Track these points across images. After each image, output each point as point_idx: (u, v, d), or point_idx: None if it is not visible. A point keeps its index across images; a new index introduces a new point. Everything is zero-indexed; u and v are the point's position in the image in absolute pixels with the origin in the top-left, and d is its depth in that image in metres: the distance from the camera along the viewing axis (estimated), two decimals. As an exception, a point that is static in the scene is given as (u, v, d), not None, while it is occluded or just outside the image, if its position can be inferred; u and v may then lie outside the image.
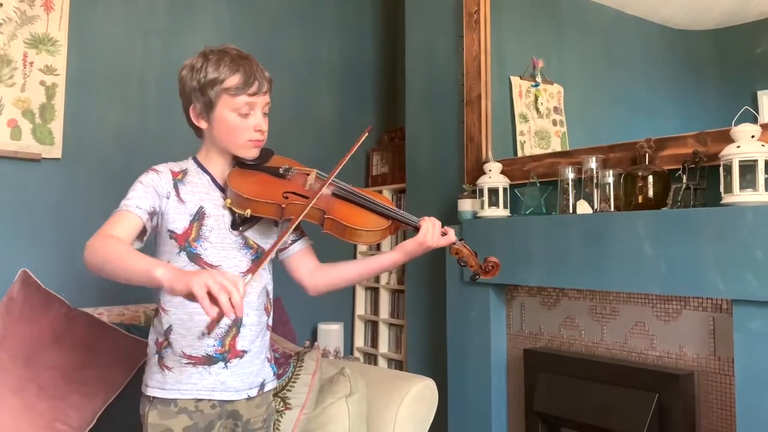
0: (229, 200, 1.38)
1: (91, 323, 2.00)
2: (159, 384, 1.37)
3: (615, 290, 1.87)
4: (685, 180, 1.71)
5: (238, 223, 1.41)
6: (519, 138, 2.40)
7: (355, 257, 3.26)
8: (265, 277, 1.47)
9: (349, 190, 1.47)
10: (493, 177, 2.21)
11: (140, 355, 2.00)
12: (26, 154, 2.31)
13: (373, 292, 3.30)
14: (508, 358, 2.22)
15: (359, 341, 3.33)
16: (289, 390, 1.89)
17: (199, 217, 1.38)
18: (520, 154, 2.37)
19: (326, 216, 1.38)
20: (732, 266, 1.54)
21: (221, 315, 1.06)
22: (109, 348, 1.97)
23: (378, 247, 3.25)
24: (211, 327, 1.08)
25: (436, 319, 2.64)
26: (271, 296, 1.50)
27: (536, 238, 2.00)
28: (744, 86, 1.87)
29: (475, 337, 2.25)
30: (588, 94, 2.41)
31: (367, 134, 1.51)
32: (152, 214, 1.35)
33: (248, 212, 1.35)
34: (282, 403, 1.87)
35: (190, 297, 1.08)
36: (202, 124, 1.41)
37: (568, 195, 2.02)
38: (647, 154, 1.82)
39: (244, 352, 1.41)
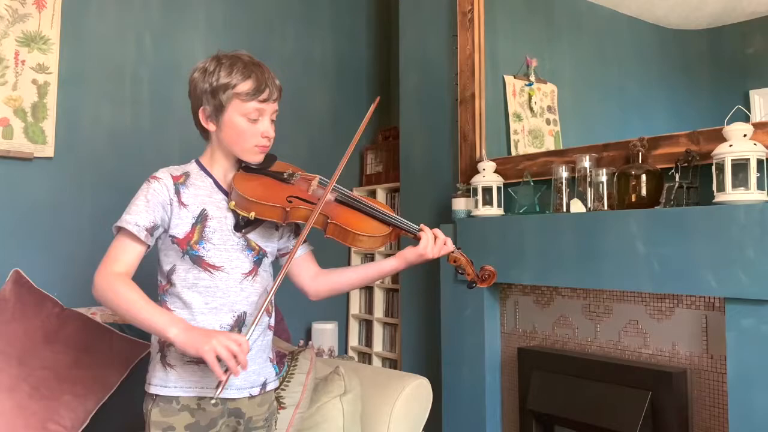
0: (233, 202, 1.39)
1: (84, 323, 1.99)
2: (161, 382, 1.38)
3: (608, 289, 1.87)
4: (677, 179, 1.72)
5: (241, 225, 1.42)
6: (513, 137, 2.41)
7: (349, 261, 3.27)
8: (266, 278, 1.48)
9: (352, 196, 1.50)
10: (487, 176, 2.21)
11: (133, 355, 1.99)
12: (18, 153, 2.29)
13: (368, 291, 3.30)
14: (502, 356, 2.22)
15: (353, 340, 3.33)
16: (283, 389, 1.89)
17: (201, 219, 1.40)
18: (513, 153, 2.38)
19: (329, 221, 1.40)
20: (724, 265, 1.55)
21: (229, 375, 1.22)
22: (102, 348, 1.96)
23: (372, 257, 3.26)
24: (221, 388, 1.22)
25: (430, 318, 2.64)
26: (272, 297, 1.50)
27: (530, 236, 2.00)
28: (736, 85, 1.88)
29: (469, 336, 2.25)
30: (581, 93, 2.42)
31: (375, 107, 1.51)
32: (153, 229, 1.37)
33: (252, 215, 1.37)
34: (276, 403, 1.86)
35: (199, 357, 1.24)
36: (211, 127, 1.42)
37: (562, 194, 2.03)
38: (640, 153, 1.82)
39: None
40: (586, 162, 1.97)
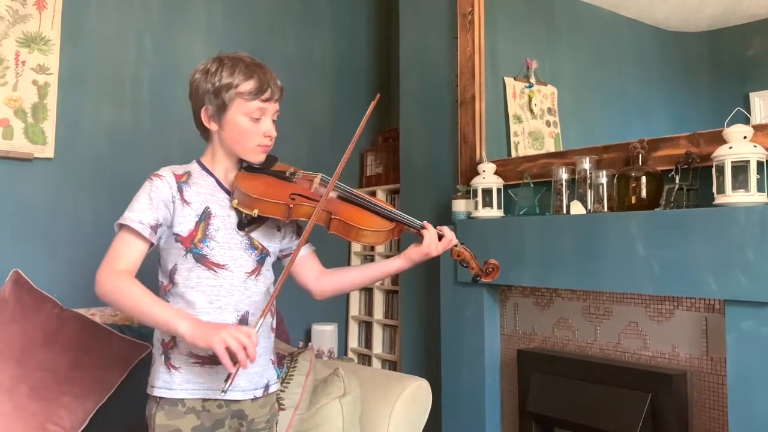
0: (236, 200, 1.40)
1: (84, 324, 1.99)
2: (166, 384, 1.38)
3: (608, 290, 1.87)
4: (677, 180, 1.72)
5: (245, 223, 1.43)
6: (513, 139, 2.41)
7: (349, 263, 3.27)
8: (268, 277, 1.49)
9: (354, 193, 1.51)
10: (487, 177, 2.21)
11: (133, 356, 1.99)
12: (18, 154, 2.29)
13: (367, 292, 3.30)
14: (502, 358, 2.22)
15: (353, 342, 3.32)
16: (282, 391, 1.88)
17: (205, 217, 1.40)
18: (513, 154, 2.38)
19: (333, 217, 1.42)
20: (724, 267, 1.55)
21: (239, 368, 1.22)
22: (101, 349, 1.96)
23: (372, 258, 3.26)
24: (231, 380, 1.23)
25: (429, 319, 2.64)
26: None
27: (530, 238, 2.00)
28: (736, 88, 1.88)
29: (469, 338, 2.25)
30: (581, 95, 2.42)
31: (375, 104, 1.51)
32: (157, 227, 1.37)
33: (256, 212, 1.38)
34: (277, 404, 1.86)
35: (209, 349, 1.25)
36: (213, 126, 1.43)
37: (562, 195, 2.03)
38: (640, 155, 1.82)
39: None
40: (586, 164, 1.97)
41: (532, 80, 2.43)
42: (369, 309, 3.27)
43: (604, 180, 1.91)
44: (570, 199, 1.99)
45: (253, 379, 1.44)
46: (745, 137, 1.58)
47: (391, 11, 3.43)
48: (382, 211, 1.49)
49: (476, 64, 2.41)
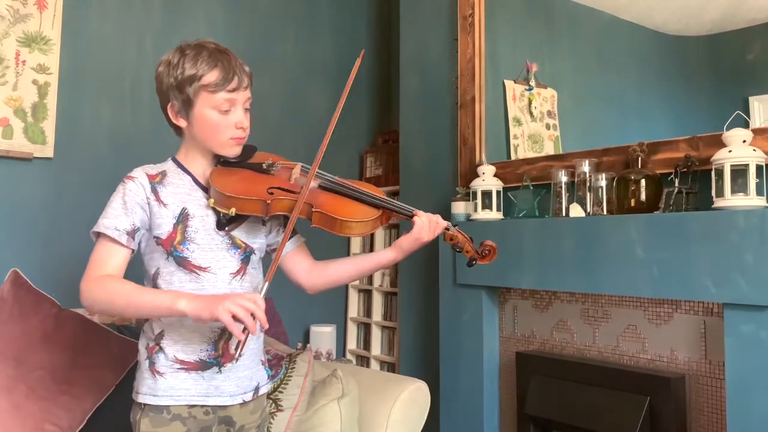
0: (212, 200, 1.34)
1: (82, 324, 1.99)
2: (151, 390, 1.33)
3: (607, 293, 1.87)
4: (677, 184, 1.72)
5: (224, 222, 1.37)
6: (512, 141, 2.41)
7: (348, 254, 3.26)
8: (255, 276, 1.43)
9: (336, 181, 1.42)
10: (487, 180, 2.21)
11: (131, 357, 1.98)
12: (18, 153, 2.29)
13: (366, 294, 3.30)
14: (501, 360, 2.22)
15: (352, 343, 3.32)
16: (280, 392, 1.88)
17: (183, 218, 1.34)
18: (513, 157, 2.38)
19: (314, 209, 1.34)
20: (723, 270, 1.55)
21: (248, 334, 1.18)
22: (99, 349, 1.96)
23: (371, 244, 3.25)
24: (241, 348, 1.21)
25: (428, 321, 2.64)
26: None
27: (529, 241, 2.00)
28: (735, 91, 1.88)
29: (468, 340, 2.25)
30: (581, 98, 2.42)
31: (360, 60, 1.43)
32: (134, 232, 1.32)
33: (233, 211, 1.31)
34: (274, 405, 1.86)
35: (215, 321, 1.19)
36: (181, 123, 1.37)
37: (561, 198, 2.03)
38: (640, 158, 1.83)
39: (239, 355, 1.38)
40: (585, 167, 1.97)
41: (532, 83, 2.43)
42: (368, 310, 3.27)
43: (603, 183, 1.91)
44: (569, 202, 1.99)
45: (242, 383, 1.39)
46: (744, 141, 1.58)
47: (391, 13, 3.44)
48: (367, 198, 1.40)
49: (476, 67, 2.41)
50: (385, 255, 1.46)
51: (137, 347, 1.42)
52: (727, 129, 1.63)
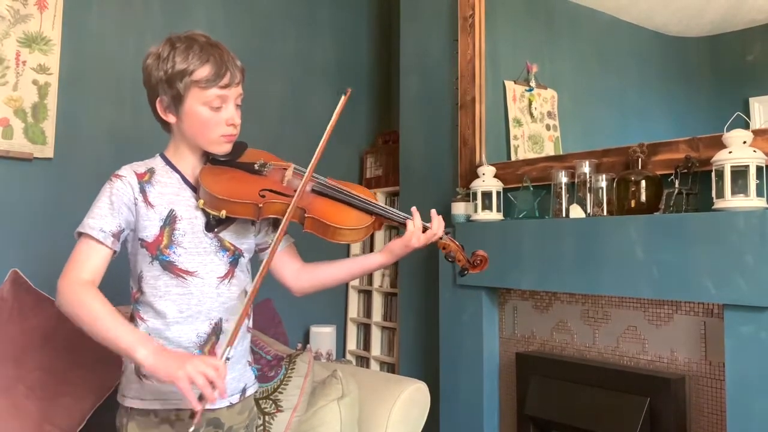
0: (201, 201, 1.30)
1: (82, 324, 1.99)
2: (137, 394, 1.30)
3: (607, 294, 1.87)
4: (677, 185, 1.72)
5: (213, 224, 1.33)
6: (513, 142, 2.41)
7: (348, 255, 3.26)
8: (243, 279, 1.40)
9: (330, 185, 1.39)
10: (487, 180, 2.21)
11: (131, 357, 1.98)
12: (18, 154, 2.29)
13: (366, 294, 3.30)
14: (501, 361, 2.22)
15: (351, 344, 3.32)
16: (280, 392, 1.88)
17: (170, 221, 1.30)
18: (513, 158, 2.38)
19: (306, 215, 1.31)
20: (723, 271, 1.55)
21: (205, 404, 1.11)
22: (99, 349, 1.94)
23: (371, 243, 3.25)
24: (198, 421, 1.11)
25: (428, 322, 2.64)
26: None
27: (529, 241, 2.00)
28: (736, 92, 1.88)
29: (468, 341, 2.25)
30: (581, 98, 2.42)
31: (346, 98, 1.39)
32: (119, 233, 1.28)
33: (223, 213, 1.27)
34: (273, 406, 1.86)
35: (171, 383, 1.13)
36: (170, 119, 1.32)
37: (561, 199, 2.03)
38: (640, 159, 1.83)
39: (226, 359, 1.37)
40: (585, 167, 1.97)
41: (532, 84, 2.43)
42: (367, 311, 3.27)
43: (603, 184, 1.91)
44: (569, 203, 1.99)
45: (229, 385, 1.34)
46: (744, 142, 1.58)
47: (391, 13, 3.44)
48: (361, 203, 1.37)
49: (476, 67, 2.41)
50: (375, 259, 1.44)
51: None
52: (728, 130, 1.63)
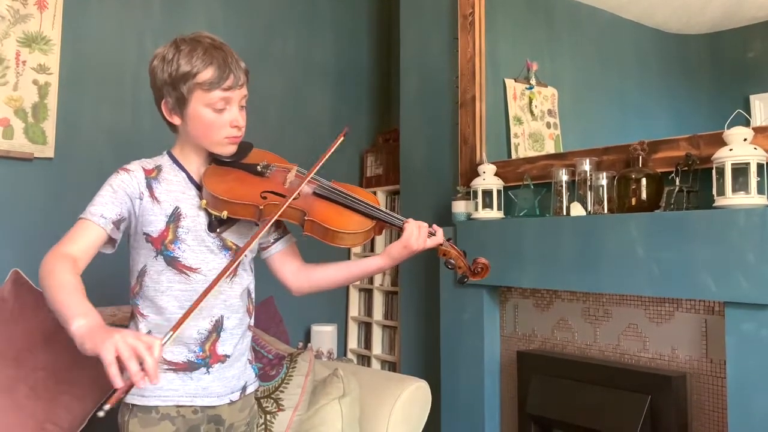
0: (204, 201, 1.32)
1: (83, 324, 1.99)
2: (139, 391, 1.29)
3: (608, 292, 1.87)
4: (678, 182, 1.72)
5: (215, 224, 1.34)
6: (513, 140, 2.41)
7: (349, 257, 3.26)
8: (246, 278, 1.41)
9: (331, 188, 1.40)
10: (487, 179, 2.21)
11: (132, 356, 1.98)
12: (18, 154, 2.29)
13: (367, 293, 3.30)
14: (502, 359, 2.22)
15: (353, 343, 3.32)
16: (281, 391, 1.88)
17: (175, 218, 1.32)
18: (514, 156, 2.38)
19: (306, 218, 1.31)
20: (724, 269, 1.54)
21: (130, 385, 0.99)
22: (100, 349, 1.96)
23: (372, 245, 3.25)
24: (114, 399, 0.98)
25: (429, 320, 2.64)
26: (253, 296, 1.46)
27: (530, 239, 2.00)
28: (736, 90, 1.88)
29: (469, 339, 2.25)
30: (582, 96, 2.42)
31: (342, 138, 1.40)
32: (120, 222, 1.29)
33: (225, 214, 1.29)
34: (275, 404, 1.86)
35: (96, 355, 1.02)
36: (176, 120, 1.34)
37: (562, 197, 2.02)
38: (640, 157, 1.82)
39: (226, 356, 1.37)
40: (586, 165, 1.97)
41: (533, 82, 2.43)
42: (368, 310, 3.27)
43: (604, 182, 1.91)
44: (570, 201, 1.99)
45: (229, 383, 1.37)
46: (745, 139, 1.58)
47: (391, 12, 3.44)
48: (362, 207, 1.37)
49: (477, 66, 2.41)
50: (374, 262, 1.44)
51: None
52: (728, 127, 1.62)
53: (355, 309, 3.34)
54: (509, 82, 2.44)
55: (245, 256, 1.40)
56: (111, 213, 1.28)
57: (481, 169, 2.25)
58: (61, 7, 2.40)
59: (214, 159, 1.38)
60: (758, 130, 1.62)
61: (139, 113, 2.62)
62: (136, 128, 2.60)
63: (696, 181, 1.72)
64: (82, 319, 1.07)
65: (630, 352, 1.86)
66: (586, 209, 1.95)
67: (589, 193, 1.95)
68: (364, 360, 3.25)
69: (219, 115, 1.31)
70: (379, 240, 3.21)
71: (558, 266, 1.91)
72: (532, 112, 2.42)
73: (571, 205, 1.96)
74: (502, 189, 2.21)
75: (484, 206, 2.20)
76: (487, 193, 2.20)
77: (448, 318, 2.32)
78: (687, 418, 1.70)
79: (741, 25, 1.90)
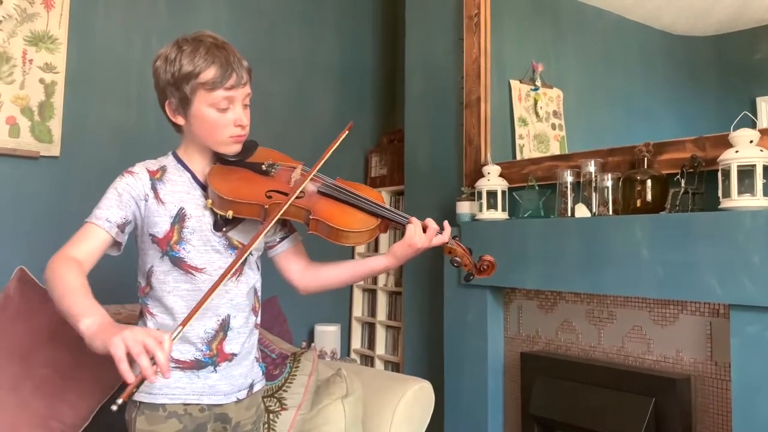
0: (210, 201, 1.32)
1: (88, 322, 1.99)
2: (146, 388, 1.29)
3: (612, 294, 1.87)
4: (683, 184, 1.71)
5: (221, 224, 1.35)
6: (518, 141, 2.41)
7: (353, 256, 3.26)
8: (252, 276, 1.41)
9: (336, 186, 1.39)
10: (492, 180, 2.21)
11: (136, 354, 1.99)
12: (24, 152, 2.30)
13: (370, 293, 3.30)
14: (505, 361, 2.22)
15: (356, 343, 3.32)
16: (285, 390, 1.88)
17: (179, 219, 1.32)
18: (518, 157, 2.38)
19: (311, 216, 1.31)
20: (729, 271, 1.54)
21: (141, 380, 0.99)
22: (105, 347, 1.96)
23: (375, 245, 3.25)
24: (126, 394, 0.99)
25: (433, 321, 2.64)
26: (259, 295, 1.46)
27: (534, 241, 2.00)
28: (743, 92, 1.87)
29: (472, 340, 2.25)
30: (587, 98, 2.42)
31: (347, 132, 1.41)
32: (125, 225, 1.30)
33: (230, 213, 1.29)
34: (278, 404, 1.86)
35: (107, 353, 1.02)
36: (180, 120, 1.34)
37: (567, 198, 2.02)
38: (646, 159, 1.82)
39: (233, 355, 1.37)
40: (591, 167, 1.97)
41: (538, 83, 2.43)
42: (372, 310, 3.27)
43: (609, 183, 1.91)
44: (575, 202, 1.99)
45: (236, 382, 1.37)
46: (751, 141, 1.57)
47: (397, 13, 3.44)
48: (367, 206, 1.37)
49: (482, 67, 2.41)
50: (379, 261, 1.44)
51: None
52: (734, 129, 1.62)
53: (358, 309, 3.34)
54: (514, 83, 2.43)
55: (251, 254, 1.40)
56: (116, 217, 1.29)
57: (485, 170, 2.25)
58: (67, 6, 2.42)
59: (218, 158, 1.39)
60: (764, 132, 1.61)
61: (145, 112, 2.63)
62: (142, 127, 2.61)
63: (701, 182, 1.71)
64: (90, 318, 1.09)
65: (634, 354, 1.85)
66: (590, 211, 1.94)
67: (594, 194, 1.95)
68: (368, 360, 3.25)
69: (223, 114, 1.31)
70: (383, 239, 3.21)
71: (562, 267, 1.91)
72: (537, 114, 2.42)
73: (576, 206, 1.96)
74: (506, 190, 2.21)
75: (489, 207, 2.20)
76: (491, 194, 2.20)
77: (451, 319, 2.32)
78: (691, 421, 1.70)
79: (747, 27, 1.90)
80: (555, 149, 2.40)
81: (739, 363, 1.54)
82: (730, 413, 1.58)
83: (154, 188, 1.33)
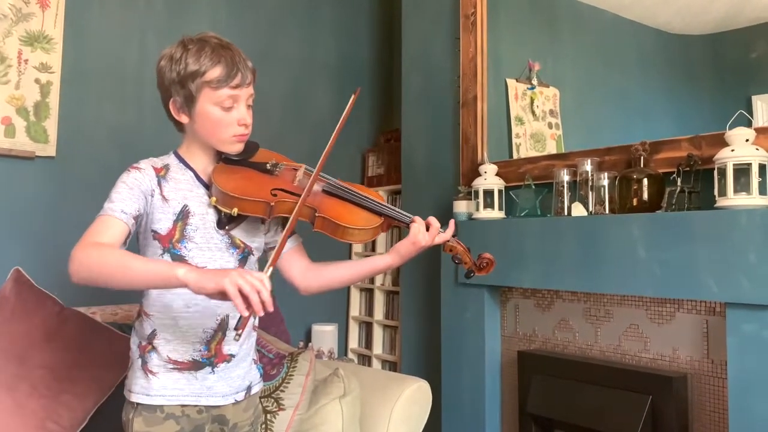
0: (214, 198, 1.32)
1: (84, 322, 1.99)
2: (143, 390, 1.31)
3: (609, 293, 1.87)
4: (679, 183, 1.72)
5: (224, 221, 1.35)
6: (514, 140, 2.41)
7: (350, 257, 3.26)
8: None
9: (340, 186, 1.42)
10: (489, 179, 2.21)
11: (133, 355, 1.99)
12: (20, 152, 2.30)
13: (368, 293, 3.30)
14: (502, 359, 2.22)
15: (353, 342, 3.32)
16: (282, 390, 1.88)
17: (183, 216, 1.32)
18: (515, 156, 2.38)
19: (317, 214, 1.33)
20: (726, 269, 1.54)
21: (252, 313, 1.10)
22: (101, 348, 1.96)
23: (373, 245, 3.25)
24: (243, 326, 1.11)
25: (430, 320, 2.64)
26: None
27: (531, 240, 2.00)
28: (738, 90, 1.88)
29: (469, 339, 2.25)
30: (584, 97, 2.42)
31: (355, 97, 1.42)
32: (138, 217, 1.30)
33: (235, 211, 1.30)
34: (275, 404, 1.86)
35: (219, 296, 1.11)
36: (183, 119, 1.35)
37: (563, 197, 2.02)
38: (642, 157, 1.82)
39: (231, 356, 1.37)
40: (587, 166, 1.97)
41: (534, 82, 2.43)
42: (369, 309, 3.27)
43: (605, 182, 1.91)
44: (571, 201, 1.99)
45: (234, 383, 1.38)
46: (747, 140, 1.58)
47: (393, 12, 3.43)
48: (371, 204, 1.39)
49: (478, 66, 2.41)
50: (382, 260, 1.45)
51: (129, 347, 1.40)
52: (730, 128, 1.62)
53: (355, 308, 3.34)
54: (511, 82, 2.43)
55: (252, 254, 1.41)
56: (131, 208, 1.28)
57: (482, 169, 2.25)
58: (63, 5, 2.41)
59: (221, 158, 1.40)
60: (760, 131, 1.62)
61: (142, 112, 2.62)
62: (138, 127, 2.60)
63: (697, 181, 1.71)
64: (180, 269, 1.14)
65: (631, 352, 1.86)
66: (587, 210, 1.94)
67: (590, 193, 1.95)
68: (365, 360, 3.25)
69: (227, 113, 1.32)
70: (380, 240, 3.21)
71: (559, 266, 1.91)
72: (533, 113, 2.42)
73: (573, 205, 1.96)
74: (503, 189, 2.21)
75: (486, 206, 2.20)
76: (488, 193, 2.20)
77: (449, 318, 2.32)
78: (688, 419, 1.70)
79: (743, 25, 1.90)
80: (551, 148, 2.40)
81: (736, 361, 1.54)
82: (727, 411, 1.59)
83: (159, 185, 1.33)
